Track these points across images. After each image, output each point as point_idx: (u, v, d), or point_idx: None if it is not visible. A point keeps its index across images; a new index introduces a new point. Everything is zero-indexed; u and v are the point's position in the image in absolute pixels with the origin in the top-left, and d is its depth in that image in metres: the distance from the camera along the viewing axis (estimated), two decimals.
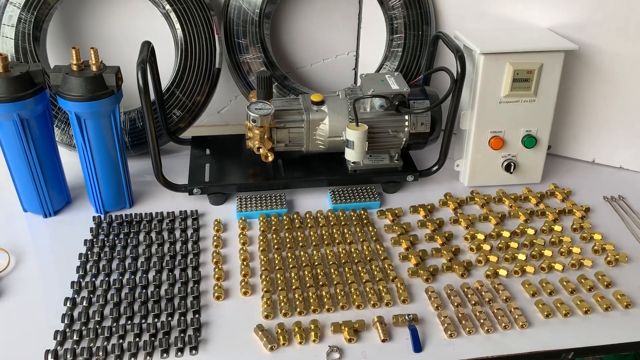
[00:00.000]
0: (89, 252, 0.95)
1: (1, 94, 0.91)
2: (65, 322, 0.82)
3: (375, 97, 1.05)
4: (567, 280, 0.91)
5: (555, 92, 1.08)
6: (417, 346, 0.80)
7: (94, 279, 0.90)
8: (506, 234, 1.01)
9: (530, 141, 1.11)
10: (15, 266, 0.94)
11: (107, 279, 0.90)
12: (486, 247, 0.98)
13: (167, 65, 1.18)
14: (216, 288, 0.89)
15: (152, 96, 1.11)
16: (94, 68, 0.95)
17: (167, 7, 1.13)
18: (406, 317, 0.83)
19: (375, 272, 0.92)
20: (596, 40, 1.11)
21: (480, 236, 1.01)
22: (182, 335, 0.81)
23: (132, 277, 0.90)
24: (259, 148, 1.05)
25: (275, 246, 0.97)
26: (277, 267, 0.93)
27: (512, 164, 1.12)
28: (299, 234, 1.00)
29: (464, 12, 1.19)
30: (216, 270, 0.92)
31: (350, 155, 1.06)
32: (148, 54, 0.97)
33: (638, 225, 1.06)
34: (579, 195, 1.14)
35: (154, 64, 1.08)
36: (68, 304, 0.85)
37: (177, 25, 1.14)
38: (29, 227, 1.04)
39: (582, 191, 1.15)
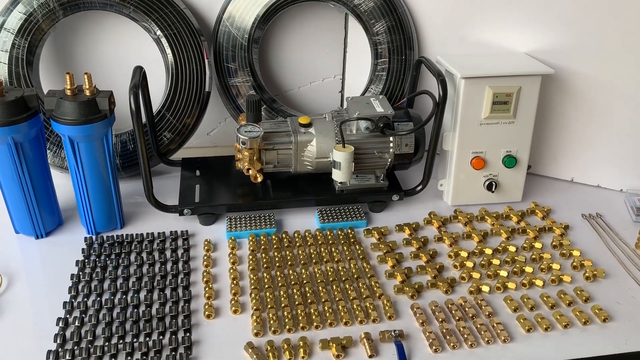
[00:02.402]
0: (80, 273, 0.97)
1: None
2: (58, 342, 0.83)
3: (361, 119, 1.08)
4: (547, 296, 0.94)
5: (534, 114, 1.12)
6: None
7: (85, 299, 0.91)
8: (489, 251, 1.05)
9: (510, 161, 1.15)
10: (7, 287, 0.95)
11: (98, 299, 0.91)
12: (469, 264, 1.01)
13: (158, 88, 1.21)
14: (207, 307, 0.91)
15: (144, 119, 1.13)
16: (87, 93, 0.97)
17: (159, 32, 1.16)
18: (392, 333, 0.85)
19: (362, 290, 0.94)
20: (571, 64, 1.15)
21: (464, 254, 1.04)
22: (174, 353, 0.82)
23: (124, 296, 0.92)
24: (248, 169, 1.08)
25: (265, 265, 1.00)
26: (266, 286, 0.95)
27: (494, 183, 1.16)
28: (287, 253, 1.03)
29: (446, 38, 1.24)
30: (206, 289, 0.94)
31: (337, 175, 1.09)
32: (140, 79, 1.00)
33: (615, 241, 1.09)
34: (559, 213, 1.18)
35: (146, 88, 1.11)
36: (60, 324, 0.86)
37: (168, 50, 1.17)
38: (21, 248, 1.05)
39: (562, 209, 1.19)
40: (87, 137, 0.98)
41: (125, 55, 1.25)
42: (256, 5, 1.19)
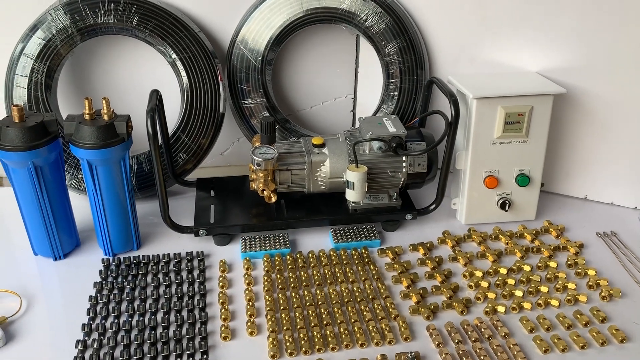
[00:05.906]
0: (98, 295, 0.98)
1: (17, 143, 0.95)
2: None
3: (374, 140, 1.09)
4: (563, 316, 0.94)
5: (546, 133, 1.13)
6: None
7: (104, 321, 0.92)
8: (503, 270, 1.04)
9: (523, 180, 1.15)
10: (27, 309, 0.96)
11: (116, 320, 0.92)
12: (484, 284, 1.01)
13: (173, 110, 1.23)
14: (223, 329, 0.91)
15: (159, 141, 1.15)
16: (105, 117, 0.99)
17: (174, 56, 1.18)
18: (409, 355, 0.85)
19: (378, 311, 0.95)
20: (583, 83, 1.16)
21: (479, 273, 1.04)
22: None
23: (141, 318, 0.93)
24: (262, 190, 1.09)
25: (280, 286, 1.00)
26: (282, 307, 0.95)
27: (507, 202, 1.16)
28: (302, 273, 1.03)
29: (457, 58, 1.25)
30: (222, 310, 0.95)
31: (351, 195, 1.10)
32: (156, 103, 1.02)
33: (630, 260, 1.09)
34: (573, 232, 1.17)
35: (161, 110, 1.12)
36: (79, 347, 0.87)
37: (183, 73, 1.19)
38: (39, 270, 1.06)
39: (576, 227, 1.18)
40: (105, 161, 0.99)
41: (141, 78, 1.28)
42: (269, 28, 1.21)
